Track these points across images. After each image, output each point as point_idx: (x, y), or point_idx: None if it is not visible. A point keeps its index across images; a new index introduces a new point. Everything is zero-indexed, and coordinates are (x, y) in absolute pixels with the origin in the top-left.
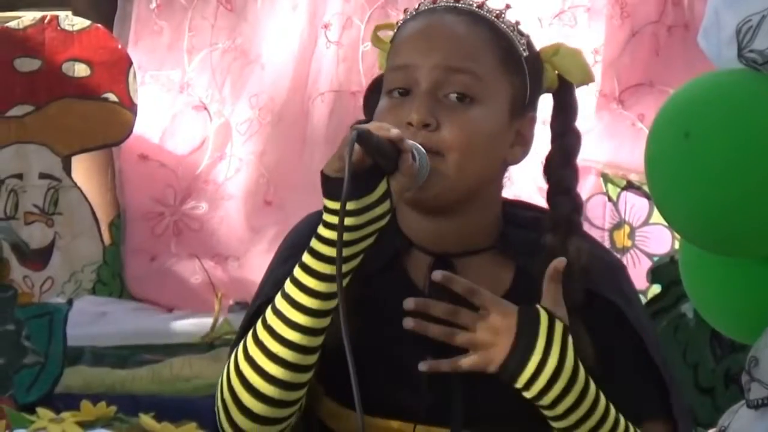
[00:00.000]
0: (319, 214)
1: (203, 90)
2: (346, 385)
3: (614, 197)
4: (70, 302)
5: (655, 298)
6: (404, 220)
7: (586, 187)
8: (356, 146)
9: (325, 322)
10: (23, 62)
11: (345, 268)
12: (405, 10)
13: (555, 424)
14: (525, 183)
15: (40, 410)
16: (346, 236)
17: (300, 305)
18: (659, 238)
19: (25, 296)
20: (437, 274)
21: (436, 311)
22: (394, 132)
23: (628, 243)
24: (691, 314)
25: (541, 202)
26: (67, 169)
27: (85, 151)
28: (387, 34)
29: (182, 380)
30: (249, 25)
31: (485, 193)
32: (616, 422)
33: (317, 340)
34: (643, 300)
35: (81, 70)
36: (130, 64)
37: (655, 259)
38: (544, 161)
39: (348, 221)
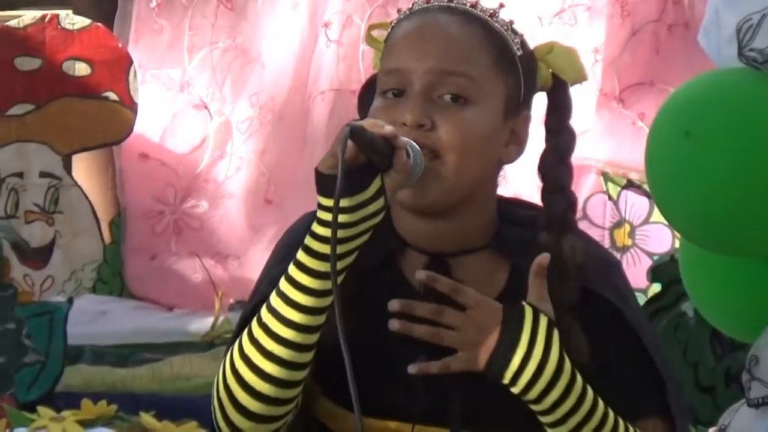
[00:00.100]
0: (315, 213)
1: (204, 89)
2: (343, 385)
3: (614, 196)
4: (70, 301)
5: (656, 297)
6: (399, 219)
7: (586, 185)
8: (350, 143)
9: (320, 319)
10: (24, 61)
11: (339, 265)
12: (398, 10)
13: (543, 419)
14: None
15: (40, 409)
16: (340, 233)
17: (294, 303)
18: (659, 237)
19: (26, 295)
20: (421, 274)
21: (422, 312)
22: (388, 129)
23: (629, 242)
24: (692, 313)
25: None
26: (68, 167)
27: (85, 150)
28: (381, 33)
29: (183, 379)
30: (249, 24)
31: (481, 192)
32: (605, 417)
33: (312, 338)
34: (644, 299)
35: (81, 68)
36: (131, 62)
37: (656, 257)
38: (538, 159)
39: (342, 218)
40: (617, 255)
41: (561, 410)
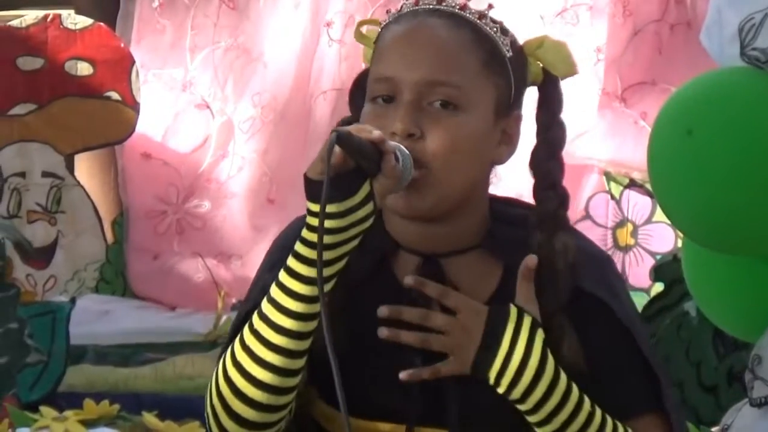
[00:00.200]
0: (305, 218)
1: (206, 88)
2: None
3: (617, 195)
4: (73, 300)
5: (658, 296)
6: (391, 222)
7: (589, 185)
8: (337, 149)
9: (311, 325)
10: (26, 61)
11: (330, 271)
12: (387, 11)
13: (529, 419)
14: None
15: (43, 409)
16: (330, 239)
17: (286, 309)
18: (662, 236)
19: (28, 295)
20: (410, 279)
21: (409, 317)
22: (376, 133)
23: (631, 241)
24: (694, 312)
25: None
26: (70, 167)
27: (87, 150)
28: (371, 29)
29: (185, 378)
30: (251, 24)
31: (473, 194)
32: (590, 416)
33: (304, 344)
34: (647, 298)
35: (83, 68)
36: (133, 62)
37: (658, 257)
38: (529, 155)
39: (331, 224)
40: (620, 254)
41: (545, 410)
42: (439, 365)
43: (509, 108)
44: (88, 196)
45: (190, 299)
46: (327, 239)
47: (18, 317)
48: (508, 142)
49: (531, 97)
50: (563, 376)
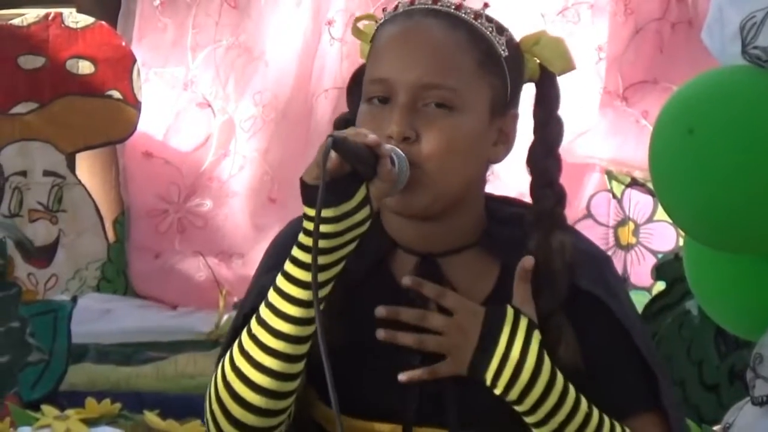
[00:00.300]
0: (301, 220)
1: (207, 87)
2: (340, 390)
3: (618, 194)
4: (74, 299)
5: (660, 295)
6: (388, 221)
7: (590, 184)
8: (333, 153)
9: (309, 329)
10: (27, 59)
11: (327, 275)
12: (383, 9)
13: (527, 420)
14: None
15: (44, 407)
16: (327, 243)
17: (283, 314)
18: (664, 235)
19: (30, 293)
20: (407, 280)
21: (406, 317)
22: (371, 137)
23: (633, 240)
24: (696, 311)
25: None
26: (72, 166)
27: (89, 149)
28: (367, 24)
29: (187, 377)
30: (253, 22)
31: (469, 193)
32: (588, 416)
33: (302, 348)
34: (648, 297)
35: (85, 67)
36: (134, 61)
37: (660, 256)
38: (527, 152)
39: (327, 228)
40: (621, 253)
41: (542, 411)
42: (437, 366)
43: (505, 107)
44: (90, 195)
45: (192, 298)
46: (323, 244)
47: (19, 316)
48: (504, 141)
49: (529, 93)
50: (560, 378)
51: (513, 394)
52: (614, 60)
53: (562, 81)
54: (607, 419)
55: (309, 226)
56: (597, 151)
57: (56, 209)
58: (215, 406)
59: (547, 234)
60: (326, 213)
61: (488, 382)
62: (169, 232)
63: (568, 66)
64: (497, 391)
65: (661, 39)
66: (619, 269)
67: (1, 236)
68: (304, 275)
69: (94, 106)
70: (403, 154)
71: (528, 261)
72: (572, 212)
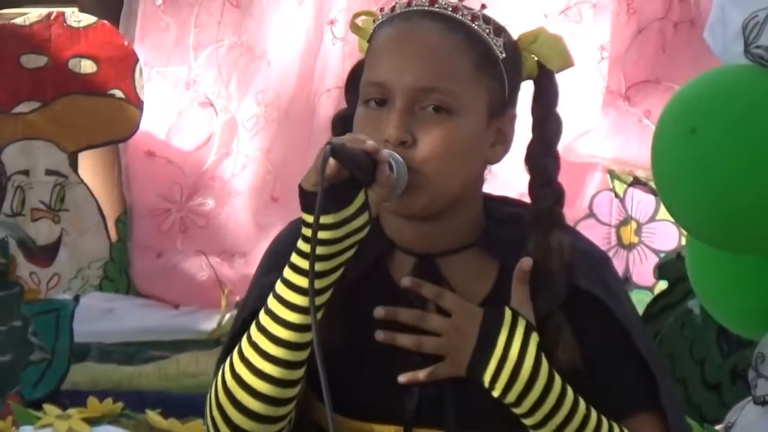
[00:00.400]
0: (299, 222)
1: (209, 86)
2: (339, 392)
3: (621, 193)
4: (76, 298)
5: (662, 294)
6: (386, 222)
7: (592, 183)
8: (331, 160)
9: (309, 336)
10: (29, 59)
11: (326, 282)
12: (381, 9)
13: (525, 421)
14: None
15: (46, 406)
16: (325, 250)
17: (283, 320)
18: (666, 234)
19: (32, 293)
20: (406, 281)
21: (405, 318)
22: (370, 144)
23: (635, 239)
24: (698, 310)
25: None
26: (74, 165)
27: (91, 148)
28: (366, 20)
29: (189, 377)
30: (255, 22)
31: (467, 194)
32: (586, 418)
33: (302, 355)
34: (650, 296)
35: (87, 66)
36: (137, 60)
37: (662, 255)
38: (525, 150)
39: (326, 235)
40: (623, 252)
41: (540, 412)
42: (436, 367)
43: (503, 108)
44: (92, 194)
45: (194, 297)
46: (322, 250)
47: (22, 315)
48: (502, 142)
49: (527, 91)
50: (558, 380)
51: (511, 396)
52: (617, 59)
53: (564, 80)
54: (605, 420)
55: (308, 232)
56: (599, 151)
57: (58, 208)
58: (215, 413)
59: (545, 234)
60: (325, 219)
61: (486, 383)
62: (171, 232)
63: (567, 63)
64: (495, 393)
65: (664, 38)
66: (622, 268)
67: (4, 235)
68: (303, 282)
69: (97, 106)
70: (402, 159)
71: (526, 262)
72: (574, 211)
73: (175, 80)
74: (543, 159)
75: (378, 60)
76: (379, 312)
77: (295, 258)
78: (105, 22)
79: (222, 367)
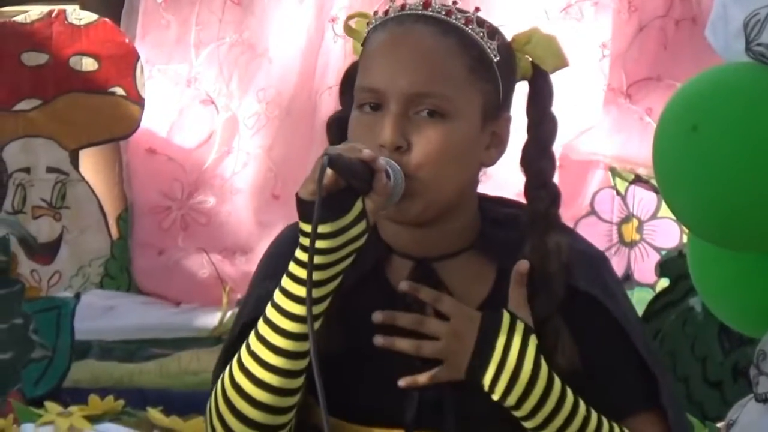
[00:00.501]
0: (297, 225)
1: (210, 84)
2: (339, 397)
3: (622, 191)
4: (77, 296)
5: (664, 292)
6: (383, 228)
7: (594, 181)
8: (328, 171)
9: (308, 345)
10: (30, 56)
11: (324, 291)
12: (374, 12)
13: (525, 424)
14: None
15: (47, 404)
16: (323, 259)
17: (282, 330)
18: (667, 232)
19: (33, 290)
20: (404, 285)
21: (403, 322)
22: (366, 153)
23: (637, 237)
24: (700, 308)
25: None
26: (75, 163)
27: (92, 145)
28: (359, 21)
29: (190, 374)
30: (256, 19)
31: (463, 198)
32: (586, 420)
33: (301, 364)
34: (652, 294)
35: (88, 64)
36: (138, 58)
37: (664, 252)
38: (520, 152)
39: (324, 244)
40: (625, 250)
41: (540, 415)
42: (436, 371)
43: (498, 110)
44: (93, 192)
45: (195, 295)
46: (320, 259)
47: (23, 313)
48: (497, 144)
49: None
50: (557, 382)
51: (511, 400)
52: (618, 57)
53: (565, 78)
54: (605, 421)
55: (305, 241)
56: (601, 148)
57: (59, 206)
58: (216, 422)
59: (542, 236)
60: (323, 229)
61: (486, 387)
62: (172, 229)
63: (561, 63)
64: (495, 397)
65: (665, 36)
66: (623, 266)
67: (4, 233)
68: (301, 291)
69: (98, 103)
70: (398, 167)
71: (523, 265)
72: (576, 209)
73: (176, 78)
74: (539, 161)
75: (372, 64)
76: (378, 317)
77: (293, 267)
78: (106, 19)
79: (222, 375)
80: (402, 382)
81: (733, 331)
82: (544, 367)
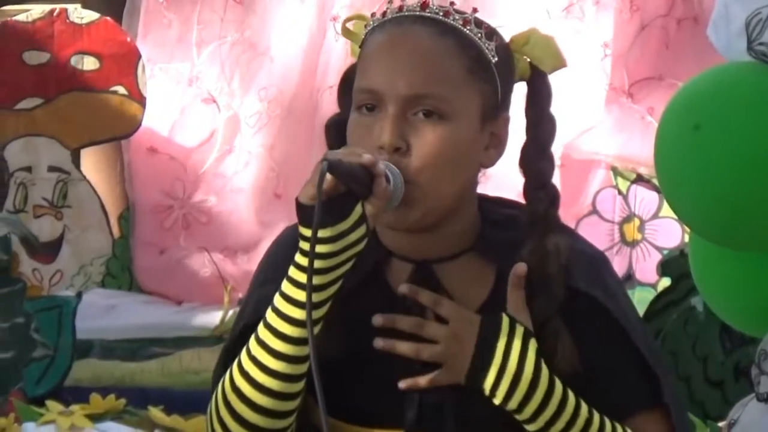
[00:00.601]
0: (296, 227)
1: (212, 83)
2: (339, 399)
3: (624, 190)
4: (79, 295)
5: (665, 291)
6: (382, 230)
7: (596, 180)
8: (328, 176)
9: (308, 349)
10: (32, 55)
11: (324, 295)
12: (372, 14)
13: (527, 427)
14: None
15: (49, 403)
16: (323, 263)
17: (282, 334)
18: (669, 231)
19: (35, 289)
20: (404, 288)
21: (403, 325)
22: (366, 157)
23: (638, 236)
24: (701, 307)
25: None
26: (76, 162)
27: (94, 144)
28: (356, 23)
29: (191, 373)
30: (258, 18)
31: (463, 200)
32: (588, 422)
33: (302, 368)
34: (653, 293)
35: (90, 63)
36: (139, 57)
37: (665, 252)
38: (519, 153)
39: (324, 249)
40: (626, 249)
41: (542, 418)
42: (436, 375)
43: (497, 111)
44: (95, 191)
45: (197, 294)
46: (320, 264)
47: (24, 312)
48: (496, 145)
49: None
50: (558, 384)
51: (512, 404)
52: (620, 56)
53: (567, 78)
54: (608, 422)
55: (305, 246)
56: (602, 148)
57: (61, 205)
58: (217, 425)
59: (541, 237)
60: (323, 233)
61: (487, 391)
62: (174, 228)
63: (559, 64)
64: (496, 401)
65: (667, 35)
66: (625, 265)
67: (6, 232)
68: (301, 296)
69: (99, 102)
70: (398, 170)
71: (520, 268)
72: (578, 208)
73: (177, 77)
74: (538, 162)
75: (370, 66)
76: (378, 320)
77: (292, 272)
78: (108, 18)
79: (222, 379)
80: (403, 384)
81: (734, 331)
82: (544, 371)
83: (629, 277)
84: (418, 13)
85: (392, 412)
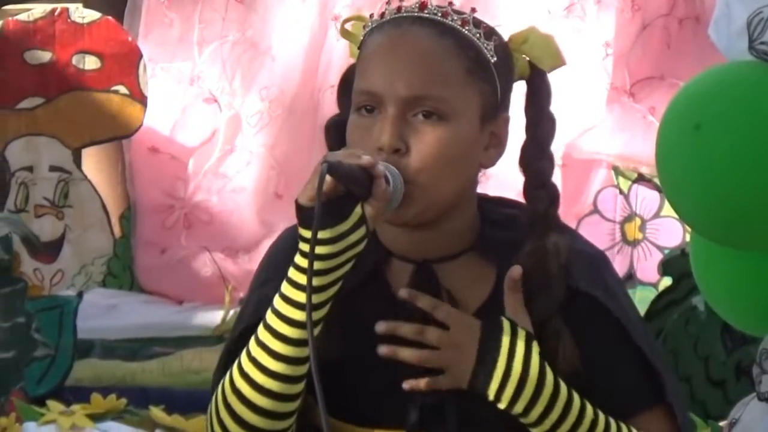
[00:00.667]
0: (296, 228)
1: (214, 82)
2: (340, 400)
3: (625, 190)
4: (80, 295)
5: (666, 291)
6: (382, 231)
7: (597, 179)
8: (328, 177)
9: (308, 350)
10: (33, 55)
11: (324, 296)
12: (371, 15)
13: (533, 430)
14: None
15: (50, 403)
16: (323, 265)
17: (282, 335)
18: (670, 231)
19: (36, 289)
20: (404, 292)
21: (404, 332)
22: (366, 159)
23: (639, 235)
24: (702, 307)
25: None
26: (78, 161)
27: (95, 144)
28: (355, 23)
29: (192, 373)
30: (259, 18)
31: (462, 199)
32: (594, 422)
33: (302, 369)
34: (655, 293)
35: (91, 62)
36: (141, 56)
37: (666, 251)
38: (519, 152)
39: (324, 250)
40: (628, 249)
41: (548, 421)
42: (438, 379)
43: (496, 111)
44: (96, 191)
45: (198, 293)
46: (320, 265)
47: (25, 311)
48: (496, 145)
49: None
50: (563, 386)
51: (518, 408)
52: (621, 56)
53: (568, 77)
54: (613, 422)
55: (304, 248)
56: (604, 147)
57: (62, 205)
58: (217, 426)
59: (541, 237)
60: (323, 234)
61: (491, 397)
62: (175, 228)
63: (558, 63)
64: (501, 406)
65: (668, 35)
66: (626, 265)
67: (7, 232)
68: (301, 297)
69: (101, 102)
70: (398, 171)
71: (515, 271)
72: (579, 208)
73: (179, 76)
74: (537, 161)
75: (369, 68)
76: (381, 327)
77: (292, 273)
78: (109, 18)
79: (222, 380)
80: (406, 385)
81: (735, 330)
82: (549, 374)
83: (630, 276)
84: (416, 14)
85: (394, 413)
